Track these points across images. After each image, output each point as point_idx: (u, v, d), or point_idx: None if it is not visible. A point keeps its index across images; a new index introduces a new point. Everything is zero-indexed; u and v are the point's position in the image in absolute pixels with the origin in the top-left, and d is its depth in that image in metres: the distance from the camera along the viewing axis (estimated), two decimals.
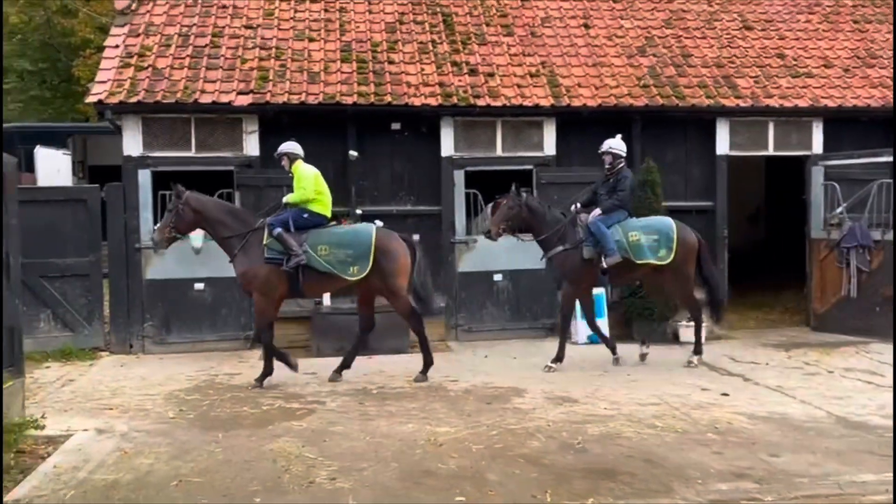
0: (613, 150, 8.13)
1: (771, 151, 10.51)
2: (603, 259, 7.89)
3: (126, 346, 9.16)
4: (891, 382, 7.31)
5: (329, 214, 7.77)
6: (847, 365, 8.09)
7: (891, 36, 11.57)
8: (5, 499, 4.52)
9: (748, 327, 10.58)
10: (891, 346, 8.93)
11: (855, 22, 11.84)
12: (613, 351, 8.33)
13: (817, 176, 10.21)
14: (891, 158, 9.54)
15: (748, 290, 12.04)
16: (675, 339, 9.51)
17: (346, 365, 7.72)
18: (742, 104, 10.05)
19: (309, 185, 7.49)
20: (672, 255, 7.94)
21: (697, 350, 8.31)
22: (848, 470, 5.00)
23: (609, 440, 5.64)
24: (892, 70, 10.89)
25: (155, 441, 5.67)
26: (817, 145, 10.38)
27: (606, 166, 8.21)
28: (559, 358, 8.07)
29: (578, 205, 8.28)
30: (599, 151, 8.24)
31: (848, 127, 10.47)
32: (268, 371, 7.46)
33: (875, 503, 4.54)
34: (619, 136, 8.43)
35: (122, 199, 9.14)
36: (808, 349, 8.97)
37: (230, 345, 9.24)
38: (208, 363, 8.39)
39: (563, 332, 8.21)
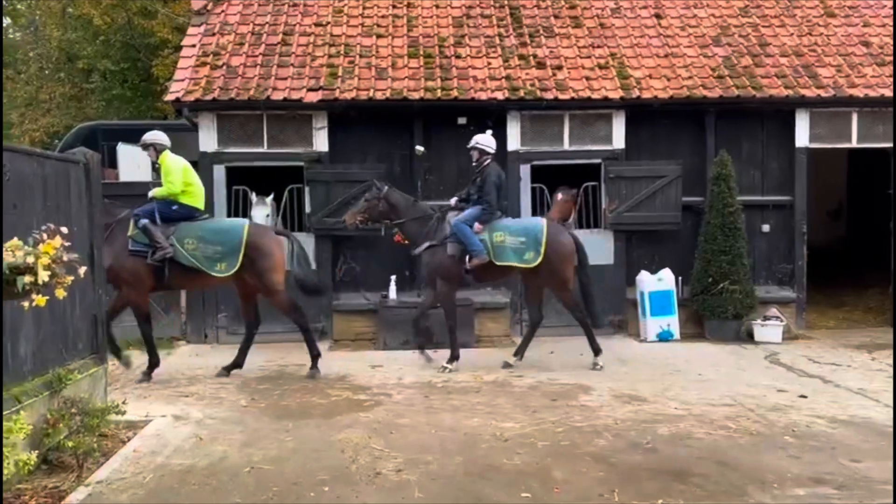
0: (479, 146, 7.84)
1: (854, 144, 10.02)
2: (467, 259, 7.62)
3: (201, 335, 9.47)
4: None
5: (201, 206, 7.60)
6: None
7: None
8: (88, 479, 4.74)
9: (828, 327, 10.16)
10: None
11: None
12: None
13: None
14: None
15: (829, 289, 11.55)
16: (749, 338, 9.21)
17: (237, 364, 7.57)
18: (823, 94, 9.61)
19: (177, 178, 7.31)
20: (540, 258, 7.61)
21: (519, 351, 7.97)
22: None
23: (679, 441, 5.50)
24: None
25: (228, 428, 5.85)
26: None
27: (473, 163, 7.95)
28: (454, 357, 7.82)
29: (455, 199, 8.07)
30: (468, 147, 8.00)
31: None
32: (154, 362, 7.44)
33: None
34: (489, 132, 8.08)
35: None
36: (892, 351, 8.53)
37: (299, 336, 9.33)
38: (278, 354, 8.59)
39: (452, 333, 7.93)
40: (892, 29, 10.76)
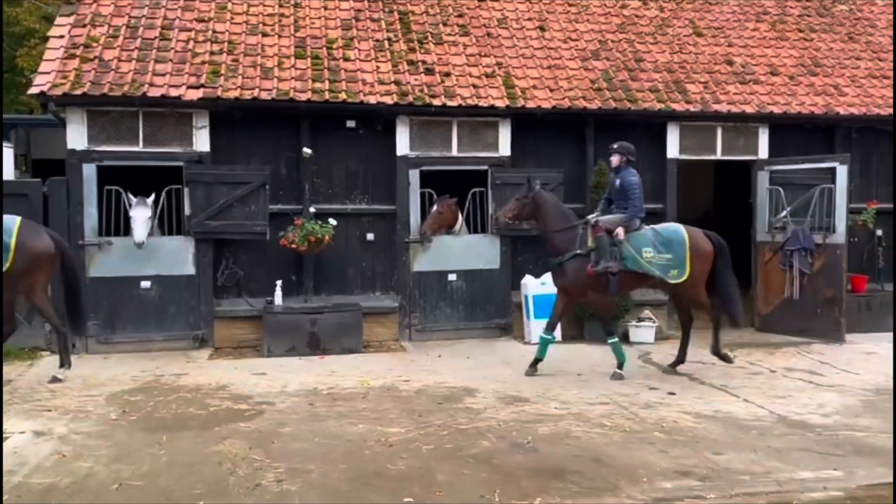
0: None
1: (719, 156, 10.74)
2: None
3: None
4: (829, 382, 7.56)
5: None
6: (789, 365, 8.32)
7: (834, 46, 11.95)
8: None
9: (696, 327, 10.56)
10: (830, 347, 9.25)
11: (800, 31, 12.18)
12: None
13: (763, 181, 10.49)
14: (832, 164, 9.87)
15: None
16: (625, 338, 9.64)
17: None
18: (692, 109, 10.24)
19: None
20: (9, 264, 6.88)
21: (63, 361, 7.43)
22: (787, 468, 5.14)
23: (558, 439, 5.69)
24: (834, 79, 11.24)
25: (95, 443, 5.52)
26: (763, 151, 10.65)
27: None
28: None
29: None
30: None
31: (792, 133, 10.78)
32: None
33: (812, 500, 4.67)
34: None
35: (66, 193, 8.88)
36: (752, 349, 9.20)
37: (178, 344, 9.03)
38: (154, 363, 8.19)
39: None
40: (752, 50, 11.63)
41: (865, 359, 8.61)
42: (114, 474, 4.90)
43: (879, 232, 10.90)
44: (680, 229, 7.84)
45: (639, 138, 10.44)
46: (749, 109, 10.40)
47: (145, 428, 5.93)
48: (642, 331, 9.60)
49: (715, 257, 7.91)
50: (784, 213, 10.16)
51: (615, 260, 7.52)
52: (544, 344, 7.85)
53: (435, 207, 9.82)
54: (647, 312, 9.82)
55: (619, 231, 7.61)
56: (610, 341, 7.82)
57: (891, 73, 11.52)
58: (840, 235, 9.62)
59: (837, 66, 11.50)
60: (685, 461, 5.24)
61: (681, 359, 8.10)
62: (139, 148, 9.06)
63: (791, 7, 12.66)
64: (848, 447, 5.54)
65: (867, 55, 11.85)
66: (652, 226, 7.96)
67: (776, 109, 10.47)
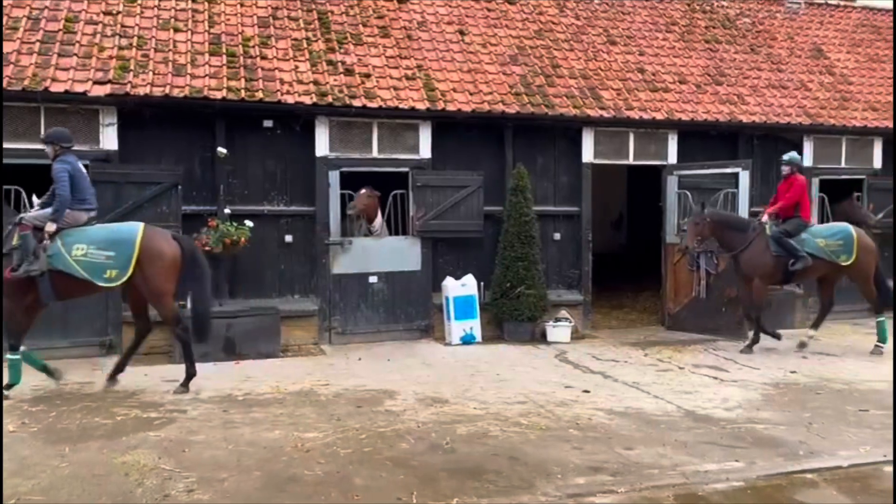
0: None
1: (631, 161, 11.12)
2: None
3: None
4: (733, 377, 7.94)
5: None
6: (696, 361, 8.69)
7: (738, 56, 12.57)
8: None
9: (610, 327, 11.13)
10: (733, 343, 9.71)
11: (707, 42, 12.75)
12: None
13: (671, 184, 10.92)
14: (735, 170, 10.38)
15: (611, 292, 12.71)
16: (542, 338, 9.85)
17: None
18: (605, 115, 10.55)
19: None
20: None
21: None
22: (693, 460, 5.36)
23: (476, 439, 5.74)
24: (737, 88, 11.83)
25: None
26: (672, 156, 11.10)
27: None
28: None
29: None
30: None
31: (699, 140, 11.27)
32: None
33: (715, 491, 4.90)
34: None
35: None
36: (662, 347, 9.55)
37: (83, 351, 8.63)
38: None
39: None
40: (662, 59, 12.09)
41: (766, 355, 9.08)
42: (11, 490, 4.63)
43: None
44: (135, 228, 6.88)
45: (555, 143, 10.78)
46: (659, 116, 10.80)
47: (47, 440, 5.64)
48: (559, 330, 9.82)
49: (183, 264, 7.01)
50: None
51: (39, 259, 6.57)
52: (28, 362, 6.93)
53: (363, 190, 9.74)
54: (563, 313, 10.06)
55: (47, 228, 6.67)
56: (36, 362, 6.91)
57: (789, 84, 12.23)
58: None
59: (740, 76, 12.10)
60: (598, 457, 5.39)
61: (120, 367, 7.33)
62: (40, 146, 8.59)
63: (698, 19, 13.24)
64: (749, 439, 5.84)
65: (767, 66, 12.52)
66: (108, 224, 7.25)
67: (684, 116, 10.92)
